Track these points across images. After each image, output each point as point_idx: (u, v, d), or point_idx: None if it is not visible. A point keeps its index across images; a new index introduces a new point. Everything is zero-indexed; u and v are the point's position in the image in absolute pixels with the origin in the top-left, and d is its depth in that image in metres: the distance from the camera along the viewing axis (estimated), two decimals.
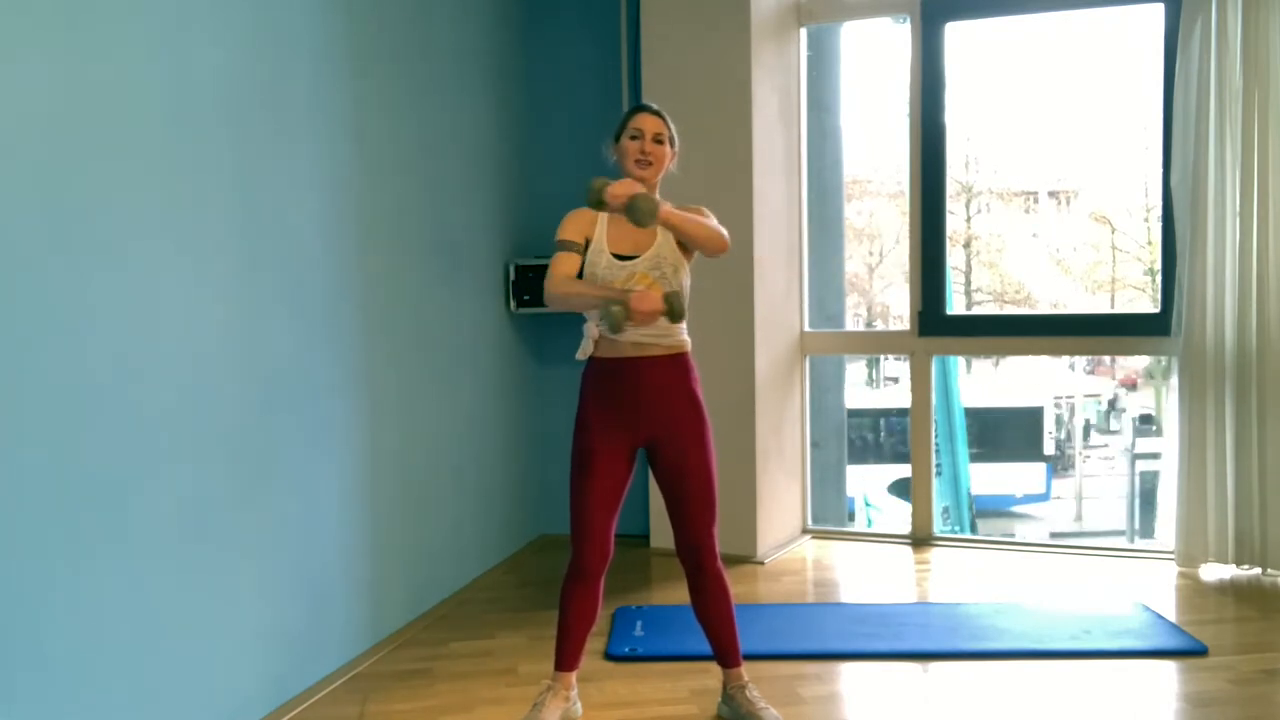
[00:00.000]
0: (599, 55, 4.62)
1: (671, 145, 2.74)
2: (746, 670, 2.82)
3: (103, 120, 2.28)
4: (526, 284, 4.39)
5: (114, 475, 2.31)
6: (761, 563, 4.32)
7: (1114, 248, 11.98)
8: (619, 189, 2.52)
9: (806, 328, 4.74)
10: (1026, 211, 12.91)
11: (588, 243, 2.71)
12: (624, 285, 2.64)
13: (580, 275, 2.70)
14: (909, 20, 4.50)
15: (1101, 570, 4.16)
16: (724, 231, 2.68)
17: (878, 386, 11.92)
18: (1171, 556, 4.13)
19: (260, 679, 2.82)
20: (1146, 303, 11.01)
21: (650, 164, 2.69)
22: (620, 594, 3.81)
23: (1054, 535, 10.41)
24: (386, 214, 3.48)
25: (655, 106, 2.76)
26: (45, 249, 2.14)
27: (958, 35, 4.52)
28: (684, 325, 2.73)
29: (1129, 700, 2.93)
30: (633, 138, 2.69)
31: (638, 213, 2.49)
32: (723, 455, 2.86)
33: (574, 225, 2.72)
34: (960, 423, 8.09)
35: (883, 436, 11.66)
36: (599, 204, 2.55)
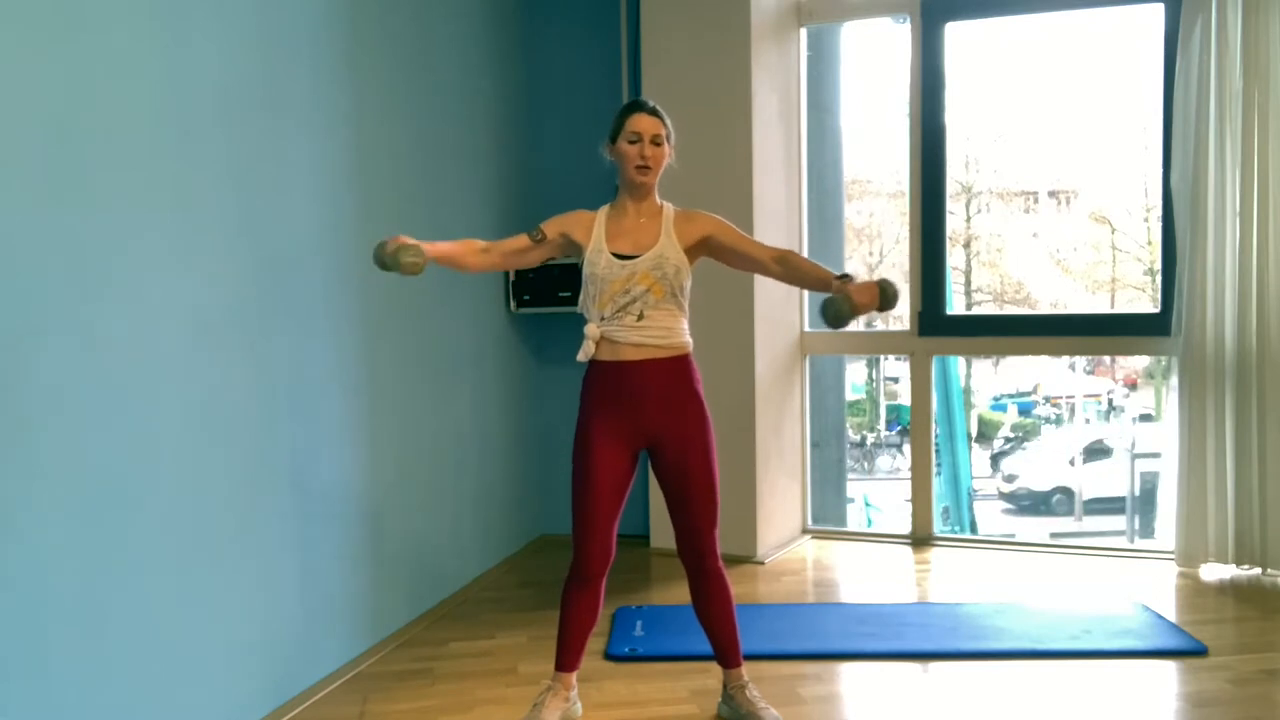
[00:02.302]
0: (599, 55, 4.62)
1: (669, 141, 2.71)
2: (746, 670, 2.82)
3: (102, 121, 2.28)
4: (526, 284, 4.40)
5: (114, 476, 2.31)
6: (761, 563, 4.32)
7: (1114, 248, 11.97)
8: (866, 297, 2.35)
9: (806, 328, 4.74)
10: (1026, 211, 12.90)
11: (570, 242, 2.72)
12: (625, 285, 2.63)
13: (581, 275, 2.71)
14: (909, 20, 4.50)
15: (1101, 570, 4.16)
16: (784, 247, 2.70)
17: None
18: (1171, 556, 4.13)
19: (260, 679, 2.82)
20: (1146, 303, 11.00)
21: (650, 168, 2.67)
22: (620, 594, 3.81)
23: (1054, 535, 10.40)
24: (386, 214, 3.48)
25: (651, 104, 2.72)
26: (45, 250, 2.14)
27: (958, 35, 4.52)
28: (685, 326, 2.73)
29: (1129, 700, 2.93)
30: (631, 142, 2.66)
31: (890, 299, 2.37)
32: (723, 455, 2.86)
33: (561, 220, 2.74)
34: (961, 422, 8.08)
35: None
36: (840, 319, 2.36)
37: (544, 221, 2.75)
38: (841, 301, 2.35)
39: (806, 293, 4.73)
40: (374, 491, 3.38)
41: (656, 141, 2.67)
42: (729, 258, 2.73)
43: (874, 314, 2.41)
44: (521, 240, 2.74)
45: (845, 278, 2.44)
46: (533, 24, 4.66)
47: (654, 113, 2.70)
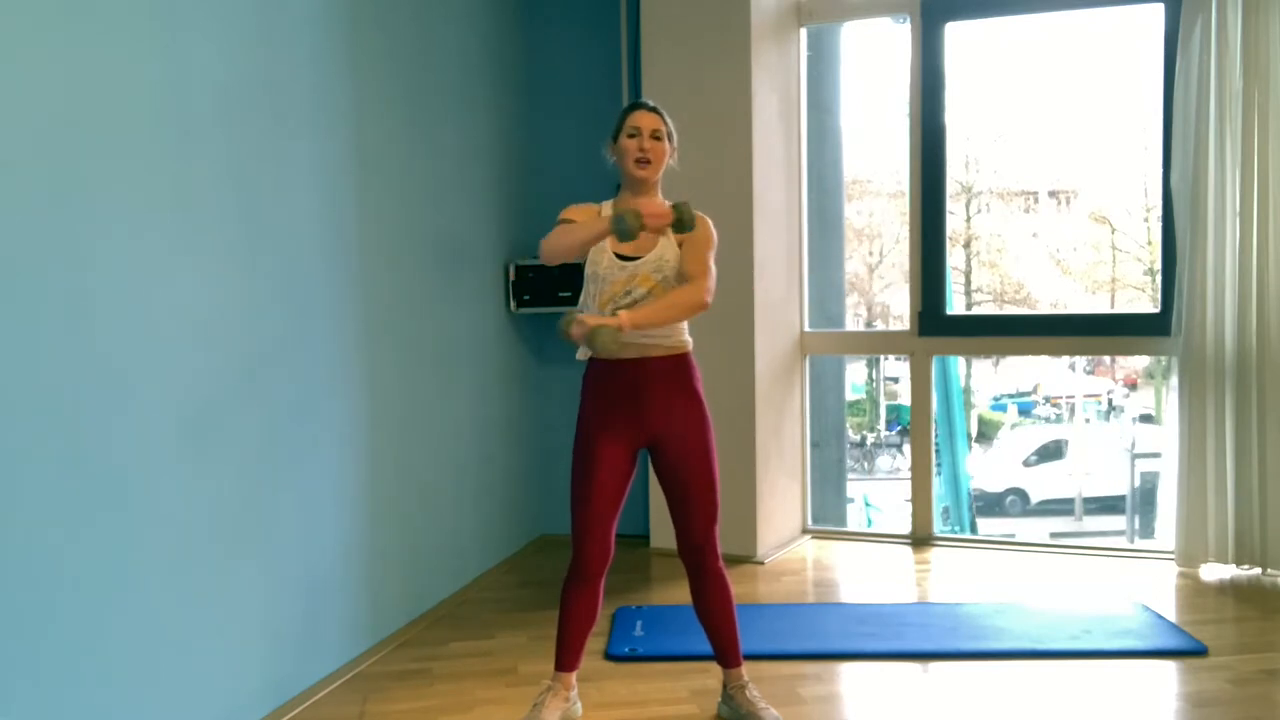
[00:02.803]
0: (599, 55, 4.62)
1: (670, 140, 2.72)
2: (746, 670, 2.82)
3: (102, 120, 2.29)
4: (526, 284, 4.40)
5: (114, 475, 2.31)
6: (761, 563, 4.32)
7: (1114, 248, 11.97)
8: (576, 330, 2.53)
9: (806, 328, 4.74)
10: (1026, 211, 12.89)
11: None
12: (626, 286, 2.64)
13: (583, 273, 2.71)
14: (909, 20, 4.50)
15: (1101, 570, 4.16)
16: (701, 290, 2.59)
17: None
18: (1171, 556, 4.13)
19: (260, 679, 2.82)
20: (1146, 303, 10.99)
21: (649, 162, 2.68)
22: (620, 594, 3.81)
23: (1054, 535, 10.41)
24: (386, 214, 3.48)
25: (651, 103, 2.75)
26: (45, 250, 2.14)
27: (958, 35, 4.52)
28: (685, 326, 2.72)
29: (1129, 700, 2.93)
30: (630, 136, 2.68)
31: (598, 342, 2.51)
32: (723, 455, 2.86)
33: (578, 210, 2.71)
34: (961, 422, 8.08)
35: None
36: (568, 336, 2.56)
37: (567, 212, 2.70)
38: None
39: (807, 294, 4.74)
40: (374, 492, 3.38)
41: (656, 136, 2.68)
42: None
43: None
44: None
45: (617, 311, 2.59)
46: (533, 24, 4.66)
47: (654, 110, 2.72)
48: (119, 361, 2.33)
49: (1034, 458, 12.09)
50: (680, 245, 2.67)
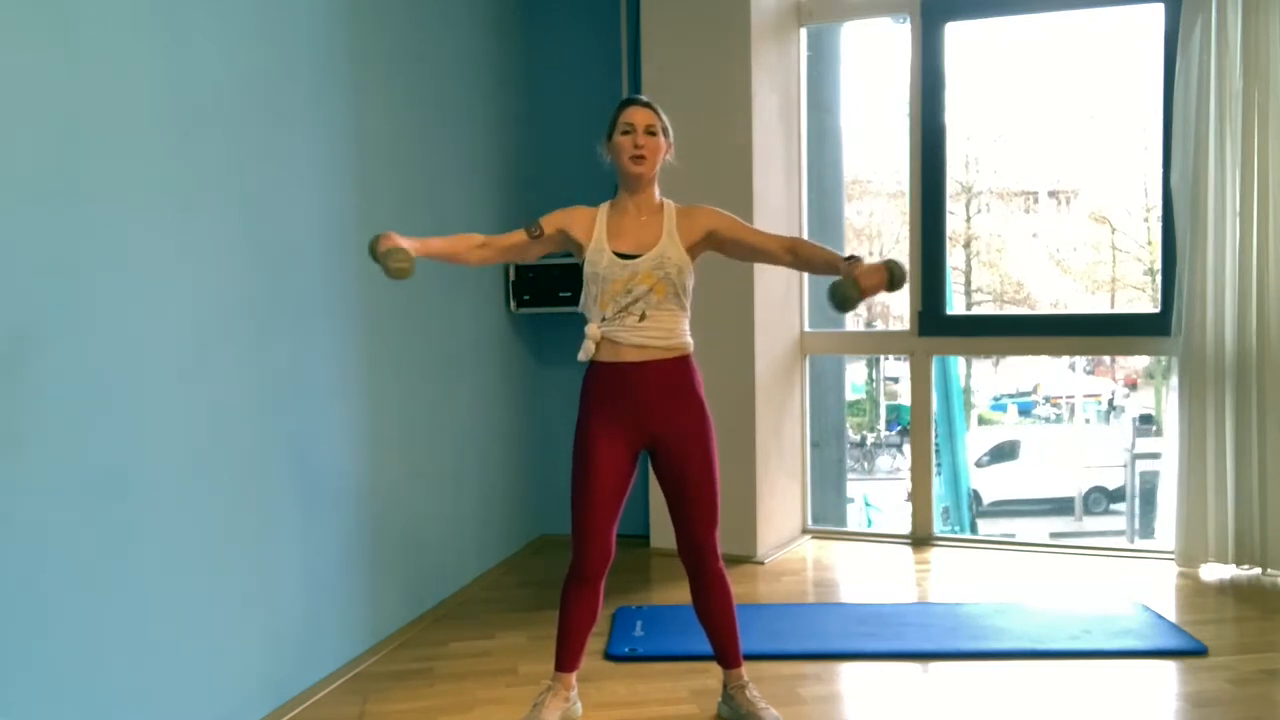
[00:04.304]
0: (599, 55, 4.62)
1: (665, 136, 2.70)
2: (746, 670, 2.82)
3: (103, 121, 2.28)
4: (526, 284, 4.40)
5: (114, 477, 2.31)
6: (761, 563, 4.32)
7: (1114, 248, 11.97)
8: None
9: (806, 328, 4.74)
10: (1026, 211, 12.89)
11: (568, 238, 2.72)
12: (627, 285, 2.63)
13: (582, 274, 2.71)
14: (909, 20, 4.50)
15: (1101, 570, 4.16)
16: (789, 236, 2.73)
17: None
18: (1171, 556, 4.13)
19: (260, 679, 2.82)
20: (1146, 303, 10.98)
21: (644, 158, 2.66)
22: (620, 594, 3.80)
23: (1054, 535, 10.41)
24: (386, 214, 3.47)
25: (644, 98, 2.73)
26: (45, 250, 2.14)
27: (958, 35, 4.52)
28: (686, 327, 2.73)
29: (1129, 700, 2.93)
30: (624, 133, 2.66)
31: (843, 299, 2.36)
32: (723, 455, 2.86)
33: (560, 216, 2.74)
34: (961, 422, 8.08)
35: None
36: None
37: (543, 216, 2.75)
38: (849, 285, 2.35)
39: (806, 294, 4.74)
40: (374, 491, 3.38)
41: (650, 131, 2.66)
42: (734, 250, 2.74)
43: (882, 294, 2.42)
44: (519, 236, 2.75)
45: (853, 259, 2.44)
46: (533, 24, 4.66)
47: (647, 105, 2.70)
48: (118, 361, 2.33)
49: (986, 458, 12.09)
50: (707, 236, 2.69)
